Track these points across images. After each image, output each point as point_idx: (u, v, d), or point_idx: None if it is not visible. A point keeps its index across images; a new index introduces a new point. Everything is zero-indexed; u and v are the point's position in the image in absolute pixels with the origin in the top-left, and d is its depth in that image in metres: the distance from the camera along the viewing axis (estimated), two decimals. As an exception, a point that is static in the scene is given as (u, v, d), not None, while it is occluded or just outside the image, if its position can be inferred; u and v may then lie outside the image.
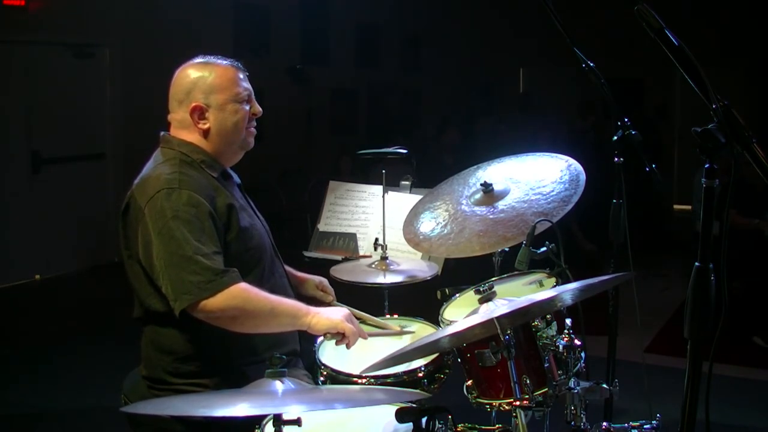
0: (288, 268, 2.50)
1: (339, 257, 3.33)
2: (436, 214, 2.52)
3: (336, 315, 2.15)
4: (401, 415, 1.67)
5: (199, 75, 2.20)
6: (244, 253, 2.17)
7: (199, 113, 2.20)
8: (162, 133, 2.27)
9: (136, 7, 6.91)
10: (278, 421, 1.52)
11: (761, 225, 5.54)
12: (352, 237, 3.37)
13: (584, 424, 1.86)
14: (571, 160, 2.42)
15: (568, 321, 1.98)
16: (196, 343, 2.14)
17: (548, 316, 1.97)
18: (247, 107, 2.25)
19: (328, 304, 2.55)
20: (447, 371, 2.26)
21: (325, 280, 2.64)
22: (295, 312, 2.12)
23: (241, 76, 2.25)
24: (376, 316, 2.63)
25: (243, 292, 2.03)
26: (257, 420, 1.79)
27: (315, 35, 9.28)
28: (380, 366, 1.85)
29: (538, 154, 2.54)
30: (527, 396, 1.83)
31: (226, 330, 2.12)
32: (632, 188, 2.62)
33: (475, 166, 2.63)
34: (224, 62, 2.25)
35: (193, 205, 2.05)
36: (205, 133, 2.21)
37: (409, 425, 1.68)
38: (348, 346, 2.17)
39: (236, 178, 2.36)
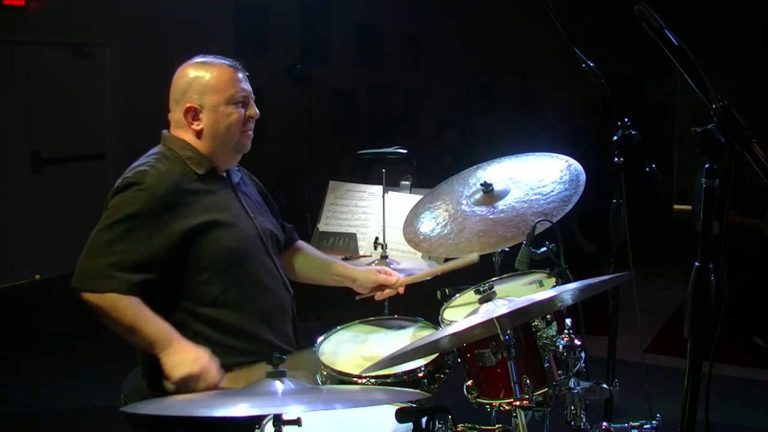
0: (341, 263, 2.57)
1: (339, 257, 3.33)
2: (436, 214, 2.51)
3: (182, 371, 1.98)
4: (401, 415, 1.67)
5: (195, 75, 2.20)
6: (210, 254, 2.15)
7: (192, 114, 2.20)
8: (163, 131, 2.29)
9: (136, 7, 6.90)
10: (278, 421, 1.52)
11: (761, 225, 5.54)
12: (352, 237, 3.37)
13: (584, 424, 1.86)
14: (571, 160, 2.42)
15: (568, 321, 1.98)
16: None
17: (548, 316, 1.97)
18: (242, 110, 2.24)
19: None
20: (447, 371, 2.26)
21: (382, 269, 2.56)
22: (152, 341, 2.04)
23: (240, 76, 2.24)
24: (376, 316, 2.63)
25: (114, 301, 2.04)
26: (257, 420, 1.79)
27: (315, 35, 9.28)
28: (380, 366, 1.85)
29: (538, 154, 2.54)
30: (527, 396, 1.83)
31: (221, 332, 2.15)
32: (632, 188, 2.62)
33: (475, 166, 2.63)
34: (223, 62, 2.24)
35: (140, 201, 2.08)
36: (198, 134, 2.22)
37: (409, 425, 1.68)
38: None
39: (235, 178, 2.35)
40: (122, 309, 2.04)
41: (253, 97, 2.29)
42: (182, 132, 2.24)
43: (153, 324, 2.06)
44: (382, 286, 2.51)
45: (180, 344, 2.04)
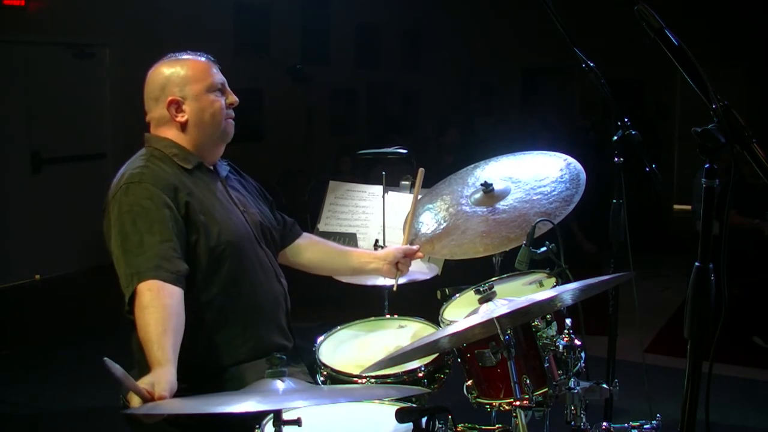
0: (352, 248, 2.59)
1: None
2: (436, 215, 2.51)
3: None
4: (401, 415, 1.67)
5: (171, 70, 2.22)
6: (206, 250, 2.14)
7: (176, 106, 2.22)
8: (145, 134, 2.30)
9: (136, 7, 6.90)
10: (278, 421, 1.52)
11: (761, 225, 5.54)
12: (352, 237, 3.37)
13: (584, 424, 1.86)
14: (569, 158, 2.42)
15: (568, 321, 1.98)
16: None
17: (548, 316, 1.97)
18: (223, 98, 2.27)
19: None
20: (447, 371, 2.27)
21: (401, 249, 2.53)
22: (148, 352, 1.88)
23: (213, 68, 2.27)
24: (376, 316, 2.63)
25: (156, 295, 1.91)
26: (257, 420, 1.78)
27: (315, 35, 9.28)
28: (380, 366, 1.85)
29: (535, 152, 2.54)
30: (527, 396, 1.83)
31: (216, 327, 2.15)
32: (632, 188, 2.62)
33: (473, 165, 2.63)
34: (194, 56, 2.27)
35: (148, 197, 2.06)
36: (183, 126, 2.23)
37: (409, 425, 1.68)
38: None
39: (223, 172, 2.35)
40: (155, 306, 1.90)
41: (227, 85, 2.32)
42: (164, 129, 2.25)
43: (167, 331, 1.89)
44: (405, 257, 2.49)
45: (162, 367, 1.84)
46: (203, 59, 2.27)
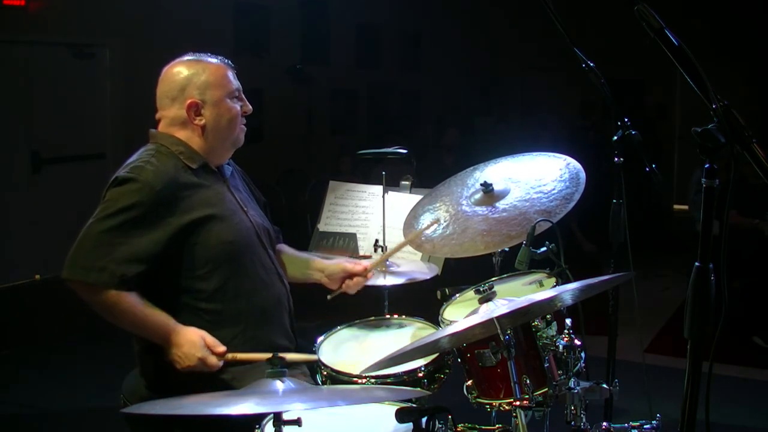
0: (314, 258, 2.58)
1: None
2: (437, 216, 2.51)
3: (191, 359, 2.08)
4: (401, 415, 1.67)
5: (192, 72, 2.22)
6: (208, 248, 2.16)
7: (195, 110, 2.21)
8: (151, 129, 2.30)
9: (136, 7, 6.90)
10: (278, 421, 1.52)
11: (761, 225, 5.54)
12: (352, 237, 3.37)
13: (584, 424, 1.86)
14: (569, 159, 2.42)
15: (568, 321, 1.98)
16: None
17: (548, 316, 1.97)
18: (239, 105, 2.28)
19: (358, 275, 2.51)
20: (447, 371, 2.26)
21: (350, 259, 2.59)
22: (157, 336, 2.12)
23: (231, 74, 2.28)
24: (376, 316, 2.63)
25: (111, 297, 2.06)
26: (257, 420, 1.78)
27: (315, 35, 9.27)
28: (380, 366, 1.85)
29: (534, 153, 2.54)
30: (527, 396, 1.83)
31: (220, 327, 2.17)
32: (632, 188, 2.62)
33: (472, 167, 2.63)
34: (215, 60, 2.28)
35: (137, 194, 2.08)
36: (202, 130, 2.23)
37: (409, 425, 1.68)
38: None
39: (227, 173, 2.36)
40: (120, 307, 2.07)
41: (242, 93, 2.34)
42: (177, 129, 2.24)
43: (151, 320, 2.10)
44: (351, 275, 2.51)
45: (179, 337, 2.08)
46: (222, 64, 2.28)
